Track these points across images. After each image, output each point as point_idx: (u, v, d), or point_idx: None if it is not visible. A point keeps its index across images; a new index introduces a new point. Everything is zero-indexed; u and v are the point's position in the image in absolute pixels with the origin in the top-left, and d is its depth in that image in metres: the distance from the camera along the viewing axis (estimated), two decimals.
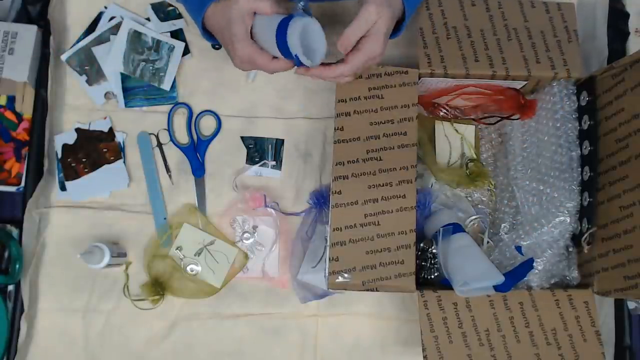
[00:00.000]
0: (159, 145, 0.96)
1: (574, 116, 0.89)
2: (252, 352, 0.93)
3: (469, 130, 0.98)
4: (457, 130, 0.98)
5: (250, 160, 0.97)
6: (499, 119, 0.95)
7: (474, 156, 0.97)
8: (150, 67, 0.95)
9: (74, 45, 0.96)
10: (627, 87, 0.82)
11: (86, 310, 0.92)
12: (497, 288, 0.80)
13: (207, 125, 0.97)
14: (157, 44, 0.96)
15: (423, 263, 0.88)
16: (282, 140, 0.97)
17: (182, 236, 0.93)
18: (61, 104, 0.96)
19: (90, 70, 0.96)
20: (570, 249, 0.89)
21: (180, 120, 0.97)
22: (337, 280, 0.80)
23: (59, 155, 0.94)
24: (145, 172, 0.95)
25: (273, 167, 0.97)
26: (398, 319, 0.95)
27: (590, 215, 0.86)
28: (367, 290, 0.80)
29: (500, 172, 0.96)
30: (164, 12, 0.97)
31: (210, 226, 0.94)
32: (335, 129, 0.83)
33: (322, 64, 0.74)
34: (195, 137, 0.97)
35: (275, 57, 0.74)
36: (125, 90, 0.95)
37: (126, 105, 0.96)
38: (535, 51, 0.88)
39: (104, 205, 0.94)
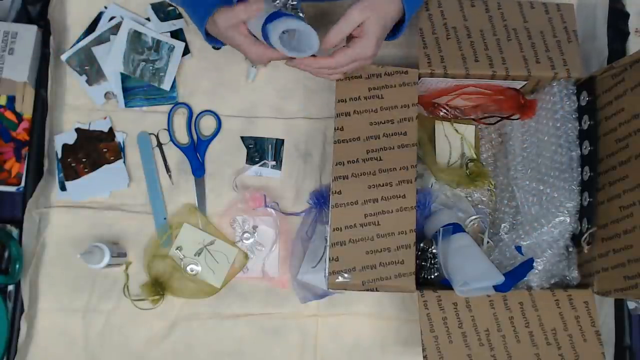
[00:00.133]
0: (159, 145, 0.96)
1: (574, 116, 0.89)
2: (252, 352, 0.93)
3: (469, 130, 0.98)
4: (457, 130, 0.98)
5: (250, 160, 0.97)
6: (499, 119, 0.95)
7: (474, 156, 0.97)
8: (150, 67, 0.95)
9: (74, 45, 0.96)
10: (627, 87, 0.82)
11: (86, 310, 0.92)
12: (497, 288, 0.80)
13: (207, 125, 0.97)
14: (157, 44, 0.96)
15: (423, 263, 0.88)
16: (282, 140, 0.97)
17: (182, 236, 0.93)
18: (61, 104, 0.96)
19: (90, 70, 0.96)
20: (570, 249, 0.89)
21: (180, 120, 0.97)
22: (337, 280, 0.80)
23: (59, 155, 0.94)
24: (145, 172, 0.95)
25: (273, 167, 0.97)
26: (398, 319, 0.95)
27: (590, 215, 0.86)
28: (367, 290, 0.80)
29: (500, 172, 0.96)
30: (164, 12, 0.97)
31: (210, 226, 0.94)
32: (335, 129, 0.83)
33: (312, 56, 0.74)
34: (195, 137, 0.97)
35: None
36: (125, 90, 0.95)
37: (126, 105, 0.96)
38: (535, 51, 0.88)
39: (104, 205, 0.94)
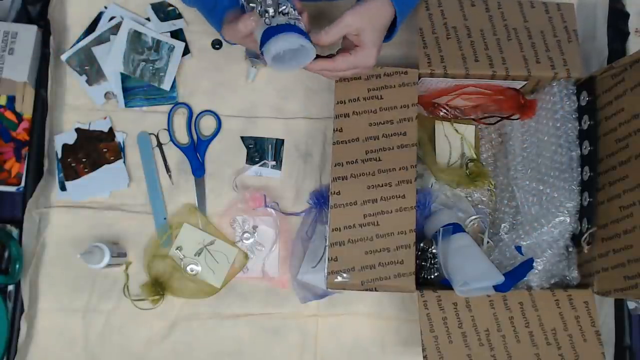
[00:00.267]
0: (159, 145, 0.96)
1: (574, 116, 0.89)
2: (252, 352, 0.93)
3: (469, 130, 0.98)
4: (457, 130, 0.98)
5: (250, 160, 0.97)
6: (499, 119, 0.95)
7: (474, 156, 0.97)
8: (150, 67, 0.95)
9: (74, 45, 0.96)
10: (627, 87, 0.82)
11: (86, 310, 0.92)
12: (497, 288, 0.80)
13: (207, 125, 0.97)
14: (157, 44, 0.96)
15: (423, 263, 0.88)
16: (282, 140, 0.97)
17: (182, 236, 0.93)
18: (61, 104, 0.96)
19: (90, 70, 0.96)
20: (570, 249, 0.89)
21: (180, 120, 0.97)
22: (335, 280, 0.80)
23: (59, 155, 0.94)
24: (145, 172, 0.95)
25: (273, 167, 0.97)
26: (398, 318, 0.95)
27: (590, 215, 0.85)
28: (366, 290, 0.80)
29: (500, 172, 0.96)
30: (164, 12, 0.97)
31: (210, 226, 0.94)
32: (334, 130, 0.83)
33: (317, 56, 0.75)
34: (195, 137, 0.97)
35: None
36: (125, 90, 0.95)
37: (126, 105, 0.96)
38: (535, 51, 0.88)
39: (104, 205, 0.94)
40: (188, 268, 0.92)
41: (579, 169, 0.87)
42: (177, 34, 0.97)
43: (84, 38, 0.96)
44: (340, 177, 0.82)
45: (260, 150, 0.97)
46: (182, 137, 0.97)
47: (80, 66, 0.96)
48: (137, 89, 0.96)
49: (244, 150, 0.97)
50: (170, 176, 0.95)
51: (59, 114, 0.96)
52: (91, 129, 0.95)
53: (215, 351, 0.93)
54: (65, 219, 0.93)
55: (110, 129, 0.95)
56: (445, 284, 0.81)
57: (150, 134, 0.96)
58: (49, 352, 0.91)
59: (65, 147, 0.94)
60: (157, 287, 0.90)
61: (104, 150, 0.94)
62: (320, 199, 0.94)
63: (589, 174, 0.86)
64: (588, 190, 0.86)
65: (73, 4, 0.97)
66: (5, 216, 0.96)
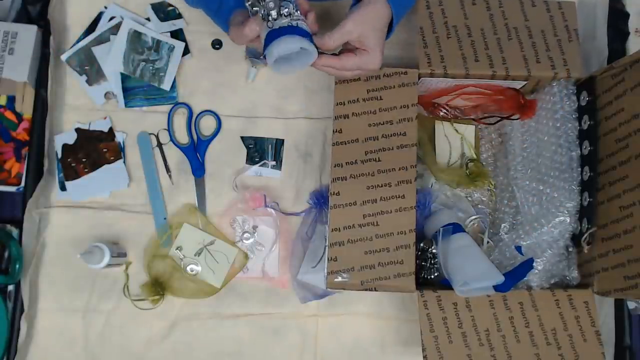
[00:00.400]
0: (159, 145, 0.96)
1: (574, 116, 0.89)
2: (252, 352, 0.93)
3: (469, 130, 0.98)
4: (457, 130, 0.98)
5: (250, 160, 0.97)
6: (499, 119, 0.95)
7: (474, 156, 0.97)
8: (150, 67, 0.95)
9: (74, 45, 0.96)
10: (627, 87, 0.81)
11: (86, 310, 0.92)
12: (497, 288, 0.80)
13: (207, 125, 0.97)
14: (157, 44, 0.96)
15: (423, 263, 0.88)
16: (282, 140, 0.97)
17: (182, 236, 0.93)
18: (61, 104, 0.96)
19: (90, 70, 0.96)
20: (570, 249, 0.89)
21: (180, 120, 0.97)
22: (335, 280, 0.80)
23: (59, 155, 0.94)
24: (145, 172, 0.95)
25: (273, 167, 0.97)
26: (398, 318, 0.95)
27: (590, 215, 0.85)
28: (366, 289, 0.80)
29: (500, 172, 0.96)
30: (164, 12, 0.97)
31: (210, 226, 0.94)
32: (333, 131, 0.83)
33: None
34: (195, 137, 0.97)
35: None
36: (125, 90, 0.95)
37: (126, 105, 0.96)
38: (535, 51, 0.87)
39: (104, 205, 0.94)
40: (188, 268, 0.92)
41: (579, 169, 0.87)
42: (177, 34, 0.97)
43: (84, 38, 0.96)
44: (339, 177, 0.82)
45: (260, 150, 0.97)
46: (182, 137, 0.97)
47: (80, 66, 0.96)
48: (137, 89, 0.96)
49: (244, 150, 0.97)
50: (170, 176, 0.95)
51: (59, 114, 0.96)
52: (91, 129, 0.95)
53: (215, 351, 0.93)
54: (65, 219, 0.93)
55: (110, 129, 0.95)
56: (445, 284, 0.81)
57: (150, 134, 0.96)
58: (49, 352, 0.91)
59: (65, 147, 0.94)
60: (157, 287, 0.90)
61: (104, 150, 0.94)
62: (320, 199, 0.94)
63: (589, 174, 0.86)
64: (588, 190, 0.86)
65: (73, 4, 0.97)
66: (5, 216, 0.96)
